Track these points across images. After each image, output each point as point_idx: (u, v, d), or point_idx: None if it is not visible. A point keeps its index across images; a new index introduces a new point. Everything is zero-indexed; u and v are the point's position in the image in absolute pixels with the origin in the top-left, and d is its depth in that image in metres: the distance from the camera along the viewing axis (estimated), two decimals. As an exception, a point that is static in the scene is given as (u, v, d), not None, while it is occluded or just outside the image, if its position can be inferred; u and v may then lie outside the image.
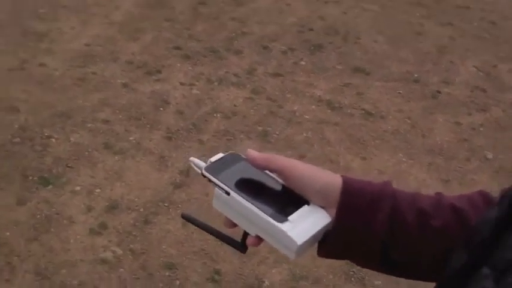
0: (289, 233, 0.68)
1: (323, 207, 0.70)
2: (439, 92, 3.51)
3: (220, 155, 0.76)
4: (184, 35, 3.55)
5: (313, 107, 3.21)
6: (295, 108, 3.17)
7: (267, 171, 0.73)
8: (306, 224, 0.70)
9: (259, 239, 0.73)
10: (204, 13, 3.84)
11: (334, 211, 0.69)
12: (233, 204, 0.72)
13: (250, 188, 0.73)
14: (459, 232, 0.67)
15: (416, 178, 2.78)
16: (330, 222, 0.69)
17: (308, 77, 3.43)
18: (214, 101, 3.07)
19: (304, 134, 3.01)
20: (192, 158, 0.77)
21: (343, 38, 3.86)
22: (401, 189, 0.73)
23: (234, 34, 3.66)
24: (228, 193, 0.71)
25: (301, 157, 2.88)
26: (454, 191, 2.66)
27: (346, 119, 3.16)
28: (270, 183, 0.73)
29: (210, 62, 3.36)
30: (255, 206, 0.70)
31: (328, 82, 3.42)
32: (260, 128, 2.98)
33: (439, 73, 3.70)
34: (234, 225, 0.74)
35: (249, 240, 0.74)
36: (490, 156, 2.99)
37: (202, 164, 0.74)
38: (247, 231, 0.73)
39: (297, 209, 0.71)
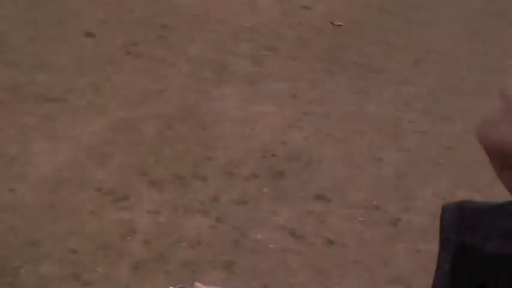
0: None
1: None
2: (398, 219, 3.86)
3: (180, 285, 1.13)
4: (151, 160, 3.88)
5: (277, 235, 3.51)
6: (259, 237, 3.47)
7: None
8: None
9: None
10: (170, 137, 4.19)
11: None
12: None
13: None
14: None
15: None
16: None
17: (271, 205, 3.75)
18: (180, 230, 3.35)
19: (268, 264, 3.29)
20: None
21: (305, 164, 4.23)
22: None
23: (199, 160, 4.00)
24: None
25: (265, 287, 3.16)
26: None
27: (309, 248, 3.47)
28: None
29: (176, 188, 3.67)
30: None
31: (290, 210, 3.75)
32: (225, 258, 3.25)
33: (398, 200, 4.07)
34: None
35: None
36: None
37: None
38: None
39: None
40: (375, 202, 4.01)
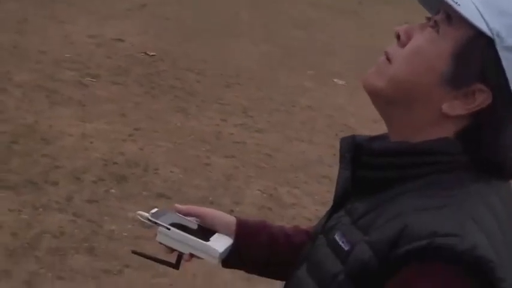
0: (213, 246, 1.32)
1: (226, 235, 1.39)
2: (232, 210, 4.60)
3: (155, 209, 1.38)
4: (3, 169, 4.29)
5: (129, 226, 4.10)
6: (113, 228, 4.03)
7: (186, 217, 1.39)
8: (220, 242, 1.35)
9: (191, 256, 1.35)
10: (18, 150, 4.62)
11: (233, 237, 1.39)
12: (172, 235, 1.34)
13: (181, 225, 1.36)
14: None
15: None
16: (232, 243, 1.38)
17: (119, 203, 4.33)
18: (42, 224, 3.83)
19: (125, 248, 3.86)
20: (138, 212, 1.38)
21: (143, 169, 4.85)
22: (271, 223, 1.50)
23: (48, 168, 4.48)
24: (168, 228, 1.34)
25: (125, 266, 3.72)
26: None
27: (154, 235, 4.08)
28: (191, 223, 1.39)
29: (31, 192, 4.13)
30: (187, 234, 1.34)
31: (137, 206, 4.33)
32: (86, 244, 3.78)
33: (229, 196, 4.82)
34: (172, 251, 1.37)
35: (184, 258, 1.36)
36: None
37: (146, 214, 1.37)
38: (183, 251, 1.34)
39: (212, 235, 1.36)
40: (210, 198, 4.72)
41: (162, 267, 3.53)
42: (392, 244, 1.00)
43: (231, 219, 1.44)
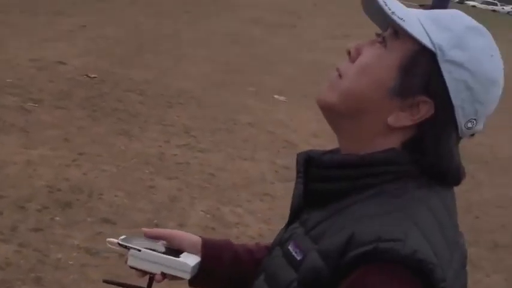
0: (185, 261, 1.35)
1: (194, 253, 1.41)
2: (177, 233, 4.66)
3: (124, 236, 1.39)
4: None
5: (74, 254, 4.11)
6: (59, 256, 4.04)
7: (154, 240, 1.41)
8: (190, 259, 1.38)
9: (163, 276, 1.36)
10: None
11: (200, 256, 1.41)
12: (144, 256, 1.35)
13: (150, 248, 1.37)
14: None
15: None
16: (200, 261, 1.40)
17: (64, 230, 4.33)
18: (-13, 256, 3.82)
19: (71, 277, 3.88)
20: (108, 239, 1.39)
21: (88, 195, 4.86)
22: (235, 242, 1.53)
23: (-9, 198, 4.47)
24: (139, 250, 1.34)
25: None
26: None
27: (104, 261, 4.11)
28: (159, 246, 1.40)
29: (-25, 223, 4.11)
30: (158, 253, 1.36)
31: (82, 233, 4.36)
32: (33, 275, 3.79)
33: (174, 218, 4.87)
34: (143, 275, 1.37)
35: (156, 279, 1.36)
36: None
37: (116, 240, 1.37)
38: (154, 271, 1.35)
39: (181, 254, 1.38)
40: (155, 221, 4.76)
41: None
42: (341, 252, 1.05)
43: (197, 239, 1.47)
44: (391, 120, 1.14)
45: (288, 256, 1.18)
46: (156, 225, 4.66)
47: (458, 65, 1.13)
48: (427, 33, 1.13)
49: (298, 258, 1.14)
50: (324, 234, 1.12)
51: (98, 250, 4.20)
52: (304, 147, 7.01)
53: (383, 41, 1.16)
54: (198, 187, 5.52)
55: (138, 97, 7.42)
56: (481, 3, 72.04)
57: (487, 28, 1.20)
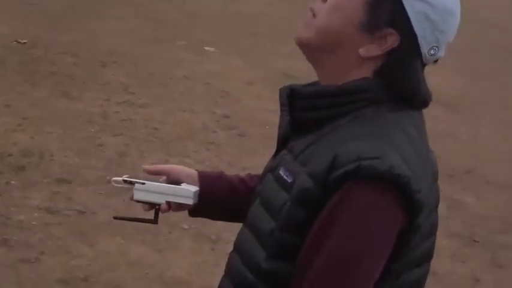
0: (187, 187, 1.52)
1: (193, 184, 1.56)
2: (131, 186, 4.78)
3: (126, 175, 1.55)
4: None
5: (36, 214, 4.20)
6: (22, 218, 4.12)
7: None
8: (190, 187, 1.53)
9: (168, 206, 1.52)
10: None
11: (198, 186, 1.56)
12: (149, 188, 1.49)
13: (153, 181, 1.53)
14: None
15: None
16: (198, 190, 1.55)
17: (22, 193, 4.40)
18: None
19: (37, 236, 3.98)
20: (113, 178, 1.57)
21: (39, 157, 4.92)
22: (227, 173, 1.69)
23: None
24: (143, 183, 1.50)
25: (41, 253, 3.84)
26: None
27: (66, 219, 4.21)
28: (160, 180, 1.55)
29: None
30: (161, 183, 1.52)
31: (40, 194, 4.44)
32: (-1, 237, 3.87)
33: (126, 172, 4.94)
34: (150, 207, 1.52)
35: (162, 209, 1.51)
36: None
37: (120, 178, 1.54)
38: (159, 202, 1.49)
39: (180, 184, 1.53)
40: (108, 177, 4.85)
41: (76, 250, 3.70)
42: (327, 172, 1.20)
43: (193, 172, 1.61)
44: (362, 51, 1.29)
45: (279, 180, 1.32)
46: (109, 182, 4.76)
47: None
48: None
49: (289, 180, 1.28)
50: (311, 157, 1.27)
51: (58, 209, 4.32)
52: (240, 96, 7.22)
53: None
54: (144, 141, 5.62)
55: (71, 59, 7.38)
56: None
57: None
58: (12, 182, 4.51)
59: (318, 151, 1.26)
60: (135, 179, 1.54)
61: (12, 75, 6.58)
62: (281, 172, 1.32)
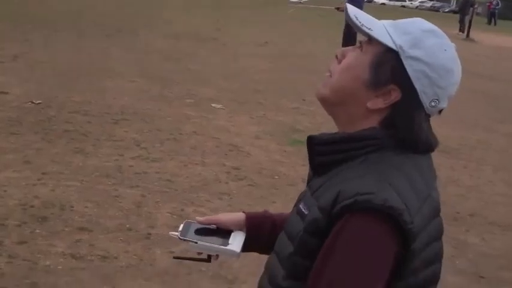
0: (232, 248, 1.73)
1: (240, 230, 1.81)
2: (150, 234, 5.02)
3: (182, 225, 1.79)
4: None
5: (61, 260, 4.43)
6: (48, 263, 4.35)
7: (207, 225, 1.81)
8: (236, 241, 1.74)
9: (217, 256, 1.78)
10: None
11: (245, 230, 1.81)
12: (200, 247, 1.74)
13: (205, 233, 1.76)
14: None
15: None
16: (245, 237, 1.78)
17: (47, 240, 4.64)
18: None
19: (64, 280, 4.20)
20: (170, 233, 1.79)
21: (60, 208, 5.17)
22: (273, 212, 1.91)
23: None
24: (196, 242, 1.73)
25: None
26: None
27: (89, 264, 4.44)
28: (212, 228, 1.79)
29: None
30: (211, 243, 1.73)
31: (64, 241, 4.68)
32: (28, 281, 4.09)
33: (144, 221, 5.22)
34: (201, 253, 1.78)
35: (213, 258, 1.78)
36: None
37: (176, 234, 1.76)
38: (210, 254, 1.76)
39: (229, 235, 1.76)
40: (127, 225, 5.11)
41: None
42: (332, 205, 1.41)
43: (241, 217, 1.85)
44: (369, 105, 1.50)
45: (299, 212, 1.53)
46: (129, 229, 5.02)
47: (417, 59, 1.46)
48: (391, 37, 1.48)
49: (306, 212, 1.49)
50: (322, 193, 1.48)
51: (81, 254, 4.54)
52: (249, 149, 7.51)
53: (360, 46, 1.53)
54: (159, 192, 5.88)
55: (84, 117, 7.72)
56: (390, 0, 74.29)
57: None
58: (37, 230, 4.76)
59: (328, 188, 1.46)
60: (188, 234, 1.78)
61: (29, 134, 6.90)
62: (301, 206, 1.53)
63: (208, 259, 1.80)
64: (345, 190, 1.41)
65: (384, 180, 1.42)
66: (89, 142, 6.91)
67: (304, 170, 6.43)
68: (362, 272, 1.38)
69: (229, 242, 1.77)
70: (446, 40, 1.52)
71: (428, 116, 1.53)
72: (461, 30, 30.48)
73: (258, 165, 7.02)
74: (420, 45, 1.47)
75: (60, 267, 4.36)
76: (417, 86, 1.47)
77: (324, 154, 1.54)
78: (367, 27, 1.50)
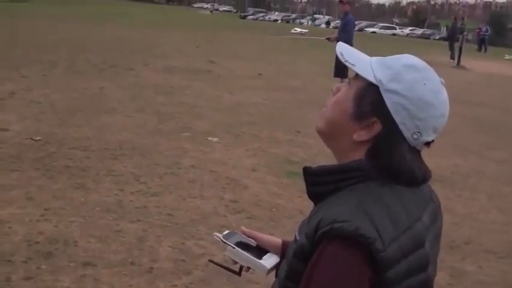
0: (264, 264, 1.84)
1: (275, 253, 1.90)
2: (152, 268, 5.14)
3: (227, 231, 1.93)
4: None
5: (67, 296, 4.56)
6: (55, 299, 4.48)
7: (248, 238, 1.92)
8: (269, 260, 1.85)
9: (248, 268, 1.87)
10: None
11: (280, 255, 1.89)
12: (236, 252, 1.85)
13: (244, 244, 1.88)
14: None
15: None
16: (278, 261, 1.86)
17: (52, 276, 4.75)
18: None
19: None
20: (215, 233, 1.93)
21: (64, 244, 5.29)
22: None
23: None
24: (234, 247, 1.85)
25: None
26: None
27: (95, 299, 4.57)
28: (251, 242, 1.91)
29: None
30: (247, 253, 1.85)
31: (68, 276, 4.79)
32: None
33: (146, 255, 5.34)
34: (235, 262, 1.88)
35: (244, 269, 1.88)
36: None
37: (220, 236, 1.90)
38: (242, 264, 1.86)
39: (265, 254, 1.87)
40: (130, 259, 5.23)
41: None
42: (314, 232, 1.49)
43: (278, 243, 1.95)
44: (355, 136, 1.58)
45: (295, 239, 1.63)
46: (132, 264, 5.14)
47: (395, 92, 1.53)
48: (373, 72, 1.56)
49: (298, 238, 1.59)
50: (311, 220, 1.56)
51: (91, 289, 4.66)
52: (246, 182, 7.66)
53: (349, 81, 1.63)
54: (160, 226, 6.00)
55: (83, 153, 7.87)
56: (380, 29, 75.09)
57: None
58: (43, 266, 4.87)
59: (316, 216, 1.55)
60: (230, 239, 1.93)
61: (30, 170, 7.04)
62: (296, 233, 1.64)
63: (239, 272, 1.94)
64: (325, 217, 1.49)
65: (360, 208, 1.48)
66: (89, 177, 7.05)
67: (301, 202, 6.72)
68: None
69: (263, 258, 1.89)
70: (428, 74, 1.57)
71: (413, 148, 1.58)
72: (452, 57, 30.84)
73: (256, 197, 7.16)
74: (399, 79, 1.54)
75: (66, 302, 4.47)
76: (396, 118, 1.53)
77: (315, 184, 1.63)
78: (350, 63, 1.60)
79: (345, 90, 1.63)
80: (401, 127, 1.54)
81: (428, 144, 1.60)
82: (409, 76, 1.54)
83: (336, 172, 1.59)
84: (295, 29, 46.86)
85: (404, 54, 1.63)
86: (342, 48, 1.64)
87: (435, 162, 9.23)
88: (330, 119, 1.63)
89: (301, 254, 1.52)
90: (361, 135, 1.57)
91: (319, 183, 1.62)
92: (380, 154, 1.55)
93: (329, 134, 1.65)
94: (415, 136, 1.55)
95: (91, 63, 16.44)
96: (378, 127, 1.55)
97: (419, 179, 1.59)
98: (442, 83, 1.59)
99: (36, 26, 26.90)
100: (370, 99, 1.55)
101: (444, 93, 1.58)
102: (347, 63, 1.60)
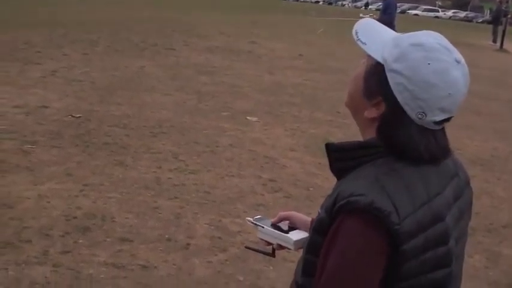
0: (290, 236, 1.92)
1: (305, 230, 1.94)
2: (188, 244, 5.15)
3: (259, 216, 2.05)
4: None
5: (103, 269, 4.57)
6: (91, 272, 4.49)
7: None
8: (297, 235, 1.92)
9: (280, 247, 1.96)
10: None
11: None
12: (265, 231, 1.97)
13: (274, 226, 1.98)
14: None
15: None
16: (307, 236, 1.80)
17: (89, 250, 4.79)
18: (29, 278, 4.26)
19: (106, 288, 4.35)
20: (247, 218, 2.06)
21: (101, 219, 5.33)
22: None
23: (18, 229, 4.90)
24: (263, 227, 1.98)
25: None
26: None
27: (130, 273, 4.57)
28: (283, 225, 1.99)
29: (10, 251, 4.55)
30: (275, 230, 1.96)
31: (105, 251, 4.82)
32: (73, 290, 4.24)
33: (183, 232, 5.35)
34: (268, 244, 1.98)
35: (276, 248, 1.97)
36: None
37: (251, 219, 2.03)
38: (272, 242, 1.96)
39: (294, 230, 1.95)
40: (166, 236, 5.24)
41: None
42: (332, 206, 1.51)
43: (307, 220, 2.00)
44: (366, 113, 1.61)
45: (318, 214, 1.62)
46: (168, 240, 5.15)
47: (398, 72, 1.53)
48: (382, 51, 1.57)
49: (320, 212, 1.61)
50: (332, 195, 1.59)
51: (123, 264, 4.68)
52: (284, 161, 7.61)
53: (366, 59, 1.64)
54: (197, 204, 6.01)
55: (123, 131, 7.91)
56: (423, 11, 74.04)
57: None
58: (80, 241, 4.91)
59: (335, 191, 1.57)
60: (260, 222, 2.03)
61: (70, 146, 7.10)
62: (319, 207, 1.64)
63: (273, 253, 2.00)
64: (343, 191, 1.51)
65: (377, 183, 1.50)
66: (128, 154, 7.08)
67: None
68: (355, 266, 1.46)
69: (290, 233, 1.95)
70: (435, 54, 1.53)
71: (422, 127, 1.56)
72: (494, 41, 30.23)
73: (293, 177, 7.12)
74: (403, 59, 1.53)
75: (102, 276, 4.50)
76: (399, 98, 1.53)
77: (337, 160, 1.65)
78: (361, 42, 1.61)
79: (360, 68, 1.65)
80: (405, 107, 1.54)
81: (442, 122, 1.57)
82: (414, 55, 1.52)
83: (356, 148, 1.61)
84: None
85: (422, 31, 1.60)
86: (359, 26, 1.65)
87: (475, 145, 9.09)
88: (350, 94, 1.67)
89: (320, 228, 1.55)
90: (371, 112, 1.59)
91: (341, 159, 1.63)
92: (386, 132, 1.57)
93: (352, 109, 1.68)
94: (419, 116, 1.54)
95: (132, 42, 16.51)
96: (384, 106, 1.57)
97: (425, 157, 1.57)
98: (457, 61, 1.53)
99: (77, 7, 27.13)
100: (376, 78, 1.57)
101: (454, 73, 1.52)
102: (358, 42, 1.61)
